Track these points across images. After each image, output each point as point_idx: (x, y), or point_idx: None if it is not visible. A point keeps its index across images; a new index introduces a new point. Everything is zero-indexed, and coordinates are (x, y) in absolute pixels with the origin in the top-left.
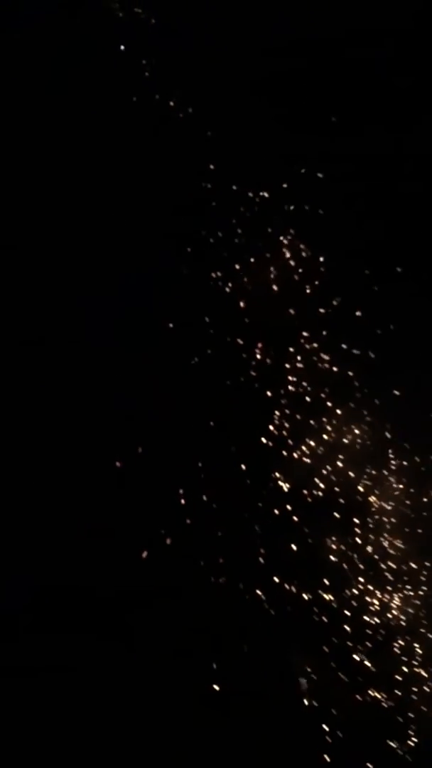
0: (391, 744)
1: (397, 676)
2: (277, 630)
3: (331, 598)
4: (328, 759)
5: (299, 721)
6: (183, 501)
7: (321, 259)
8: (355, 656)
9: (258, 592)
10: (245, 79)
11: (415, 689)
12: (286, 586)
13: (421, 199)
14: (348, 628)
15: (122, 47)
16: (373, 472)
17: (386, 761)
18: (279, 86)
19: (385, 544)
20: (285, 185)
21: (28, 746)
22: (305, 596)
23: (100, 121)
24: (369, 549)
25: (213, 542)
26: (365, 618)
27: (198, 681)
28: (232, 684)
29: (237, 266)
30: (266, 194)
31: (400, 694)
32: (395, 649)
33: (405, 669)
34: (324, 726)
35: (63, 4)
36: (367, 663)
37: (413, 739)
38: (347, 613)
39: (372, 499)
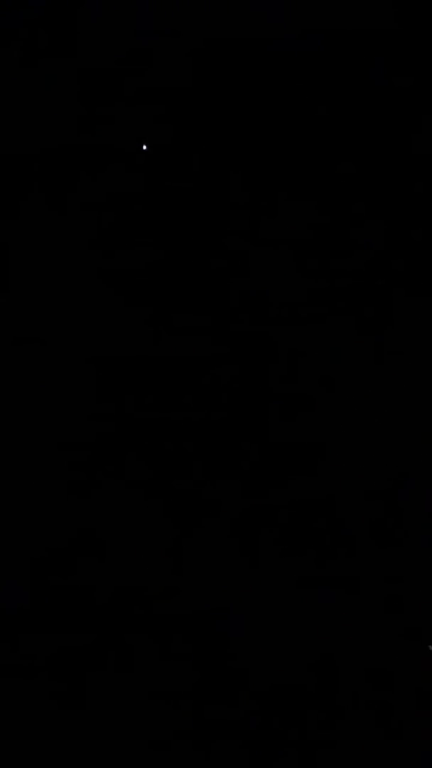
0: None
1: None
2: (278, 626)
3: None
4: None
5: (298, 719)
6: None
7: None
8: None
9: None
10: (245, 75)
11: None
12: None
13: (421, 199)
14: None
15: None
16: None
17: None
18: (275, 84)
19: None
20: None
21: (27, 746)
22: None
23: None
24: None
25: (213, 539)
26: None
27: (198, 681)
28: (233, 683)
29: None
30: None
31: None
32: None
33: None
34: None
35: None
36: None
37: None
38: None
39: None
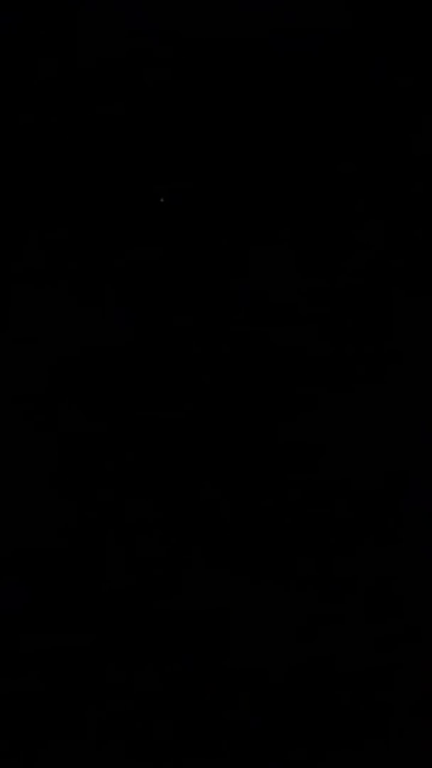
0: None
1: None
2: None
3: None
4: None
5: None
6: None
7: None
8: None
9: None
10: (245, 75)
11: None
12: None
13: (421, 199)
14: None
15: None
16: None
17: None
18: (275, 84)
19: None
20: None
21: (27, 746)
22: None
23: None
24: None
25: (213, 539)
26: None
27: (198, 681)
28: (233, 683)
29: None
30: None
31: None
32: None
33: None
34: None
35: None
36: None
37: None
38: None
39: None
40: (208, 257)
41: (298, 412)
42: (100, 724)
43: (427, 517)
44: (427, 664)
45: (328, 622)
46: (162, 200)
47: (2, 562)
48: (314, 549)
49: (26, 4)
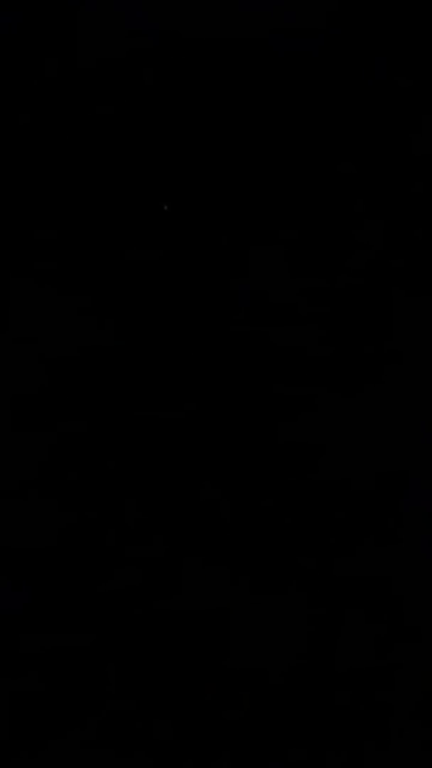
0: None
1: None
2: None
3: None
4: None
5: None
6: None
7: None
8: None
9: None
10: (246, 75)
11: None
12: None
13: (421, 199)
14: None
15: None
16: None
17: None
18: (276, 84)
19: None
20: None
21: (27, 746)
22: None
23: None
24: None
25: (213, 539)
26: None
27: (198, 681)
28: (233, 683)
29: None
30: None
31: None
32: None
33: None
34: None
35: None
36: None
37: None
38: None
39: None
40: (208, 257)
41: (298, 412)
42: (100, 724)
43: (427, 517)
44: (427, 664)
45: (328, 622)
46: (165, 208)
47: (2, 562)
48: (314, 549)
49: (26, 4)
